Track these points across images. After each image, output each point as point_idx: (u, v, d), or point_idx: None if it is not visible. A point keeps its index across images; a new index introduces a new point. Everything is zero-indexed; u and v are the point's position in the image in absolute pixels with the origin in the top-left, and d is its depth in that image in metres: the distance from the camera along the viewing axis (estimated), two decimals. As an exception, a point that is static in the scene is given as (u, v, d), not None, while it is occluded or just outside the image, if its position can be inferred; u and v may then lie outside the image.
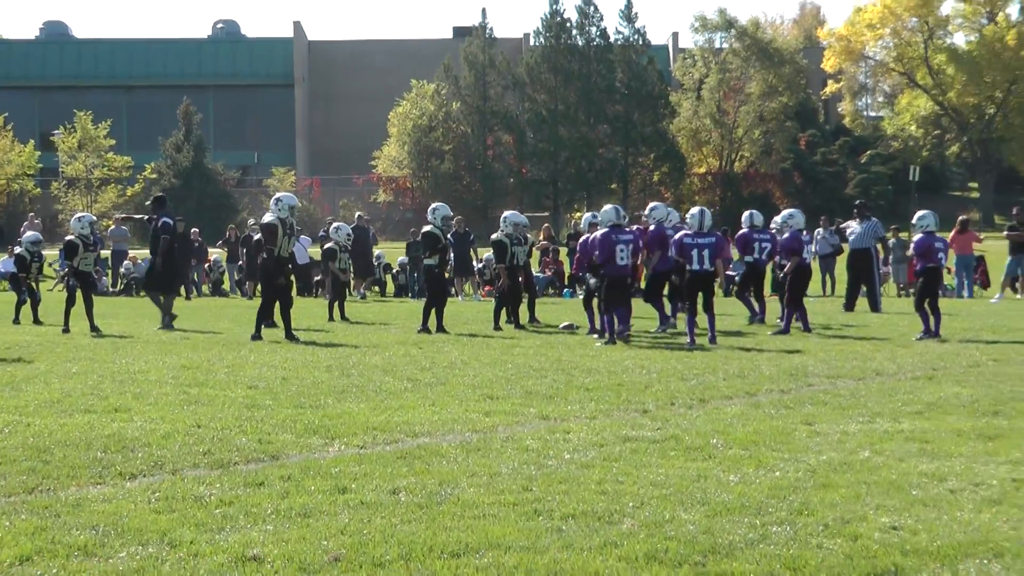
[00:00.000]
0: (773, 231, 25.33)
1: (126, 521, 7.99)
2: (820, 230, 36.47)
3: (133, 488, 9.06)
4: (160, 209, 26.78)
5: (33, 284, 28.68)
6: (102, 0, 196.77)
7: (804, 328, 22.93)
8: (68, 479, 9.37)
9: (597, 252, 21.78)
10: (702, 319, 21.22)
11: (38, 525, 7.92)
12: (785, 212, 25.20)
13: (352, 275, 36.83)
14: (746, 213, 26.22)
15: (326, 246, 31.57)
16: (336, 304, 28.64)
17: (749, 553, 7.18)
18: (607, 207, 22.87)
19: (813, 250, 29.67)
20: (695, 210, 22.61)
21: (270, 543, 7.44)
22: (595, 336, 22.46)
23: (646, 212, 25.31)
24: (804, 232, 24.48)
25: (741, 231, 25.77)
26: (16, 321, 27.32)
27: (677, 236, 22.52)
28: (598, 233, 22.11)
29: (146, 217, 28.32)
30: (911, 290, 37.60)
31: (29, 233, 31.96)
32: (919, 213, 22.96)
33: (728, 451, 10.30)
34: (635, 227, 24.32)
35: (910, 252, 24.91)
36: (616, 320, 21.64)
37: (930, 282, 22.12)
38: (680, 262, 22.14)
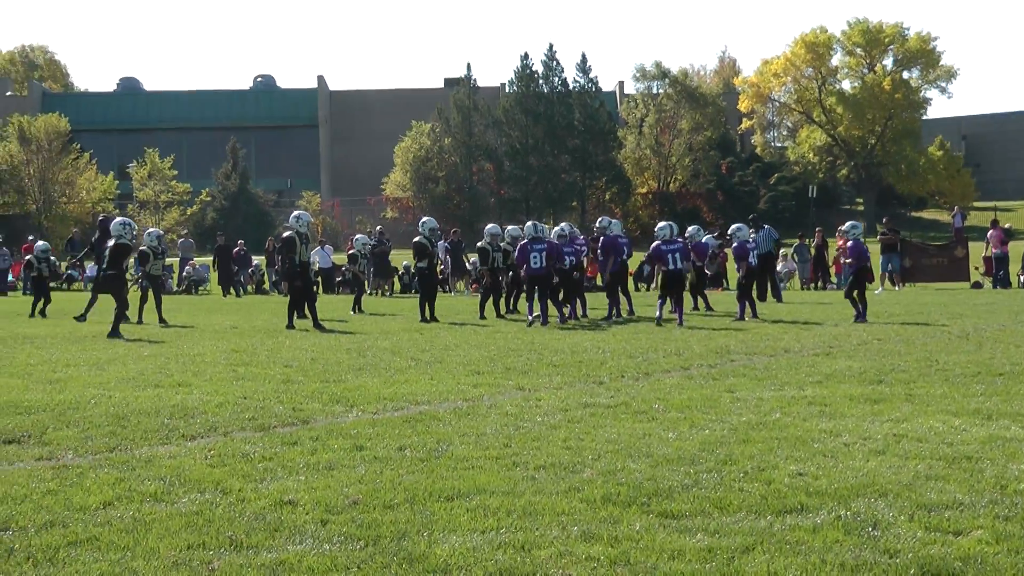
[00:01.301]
0: (684, 239, 24.98)
1: (187, 473, 7.97)
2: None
3: (193, 447, 9.03)
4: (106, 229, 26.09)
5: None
6: (167, 58, 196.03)
7: (753, 315, 22.65)
8: (141, 440, 9.34)
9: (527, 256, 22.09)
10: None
11: (118, 476, 7.88)
12: (734, 226, 24.38)
13: (372, 276, 36.84)
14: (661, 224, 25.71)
15: (349, 252, 31.69)
16: (355, 299, 28.56)
17: (685, 495, 7.16)
18: (528, 223, 23.27)
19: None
20: (664, 224, 22.83)
21: (302, 490, 7.41)
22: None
23: (596, 224, 25.21)
24: (748, 240, 24.07)
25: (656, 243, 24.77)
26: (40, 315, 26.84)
27: (654, 244, 22.58)
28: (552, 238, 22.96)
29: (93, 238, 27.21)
30: (812, 285, 37.79)
31: (39, 243, 31.61)
32: (850, 222, 22.82)
33: (667, 414, 10.28)
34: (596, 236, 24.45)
35: (847, 256, 24.01)
36: (556, 309, 22.32)
37: (861, 278, 21.98)
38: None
